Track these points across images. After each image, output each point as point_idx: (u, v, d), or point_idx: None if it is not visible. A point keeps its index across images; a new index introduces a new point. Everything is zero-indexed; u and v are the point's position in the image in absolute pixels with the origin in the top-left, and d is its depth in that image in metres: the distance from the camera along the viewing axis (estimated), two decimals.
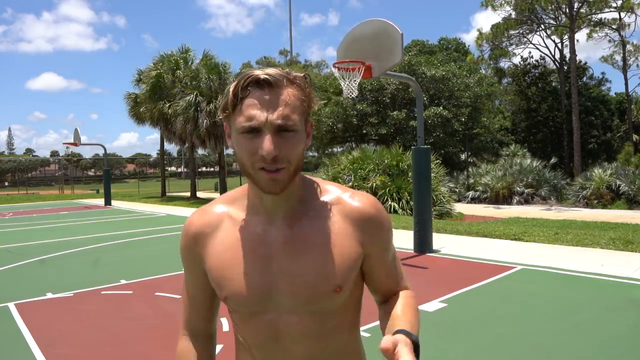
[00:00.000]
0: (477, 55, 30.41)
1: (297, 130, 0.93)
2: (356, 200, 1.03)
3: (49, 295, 5.69)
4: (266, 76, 0.90)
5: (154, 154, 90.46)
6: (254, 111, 0.90)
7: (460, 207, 15.12)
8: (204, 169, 72.22)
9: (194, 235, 1.06)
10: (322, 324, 1.01)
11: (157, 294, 5.65)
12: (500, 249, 7.89)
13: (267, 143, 0.89)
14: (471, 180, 19.77)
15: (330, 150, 27.33)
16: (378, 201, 1.07)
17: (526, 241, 8.58)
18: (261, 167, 0.91)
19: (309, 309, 0.99)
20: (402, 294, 1.08)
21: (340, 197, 1.03)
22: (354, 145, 23.08)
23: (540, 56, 37.01)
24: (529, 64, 33.06)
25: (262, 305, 1.00)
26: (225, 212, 1.06)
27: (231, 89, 0.92)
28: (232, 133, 0.96)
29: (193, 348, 1.15)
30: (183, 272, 1.14)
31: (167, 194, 26.77)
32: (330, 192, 1.05)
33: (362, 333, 1.16)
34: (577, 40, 29.98)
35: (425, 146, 8.08)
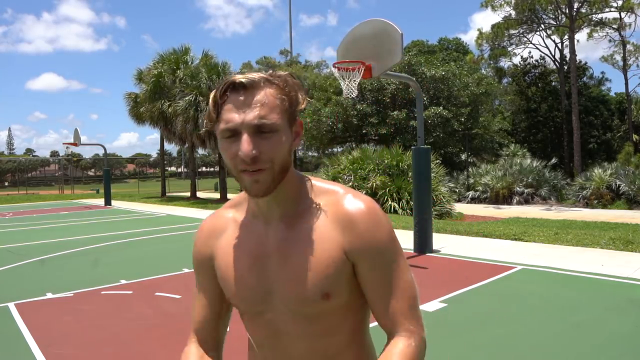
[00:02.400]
0: (477, 54, 30.40)
1: (277, 130, 0.91)
2: (349, 202, 0.97)
3: (49, 295, 5.69)
4: (241, 79, 0.90)
5: (154, 154, 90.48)
6: (231, 114, 0.90)
7: (460, 207, 15.12)
8: (204, 169, 72.23)
9: (205, 238, 1.10)
10: (319, 327, 1.00)
11: (157, 294, 5.65)
12: (500, 249, 7.89)
13: (244, 144, 0.88)
14: (471, 180, 19.77)
15: (330, 150, 27.33)
16: (378, 209, 0.98)
17: (526, 241, 8.58)
18: (243, 170, 0.91)
19: (302, 311, 0.98)
20: (399, 348, 0.94)
21: (336, 198, 0.99)
22: (354, 145, 23.07)
23: (540, 56, 37.05)
24: (529, 64, 33.07)
25: (260, 306, 1.01)
26: (231, 216, 1.08)
27: (211, 97, 0.93)
28: (218, 141, 0.96)
29: (197, 352, 1.11)
30: (192, 274, 1.14)
31: (167, 194, 26.77)
32: (328, 193, 1.00)
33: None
34: (578, 41, 30.01)
35: (425, 146, 8.08)
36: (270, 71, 0.96)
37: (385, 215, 0.99)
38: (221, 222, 1.09)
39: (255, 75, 0.91)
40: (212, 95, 0.93)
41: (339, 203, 0.97)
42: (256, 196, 0.93)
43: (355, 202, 0.96)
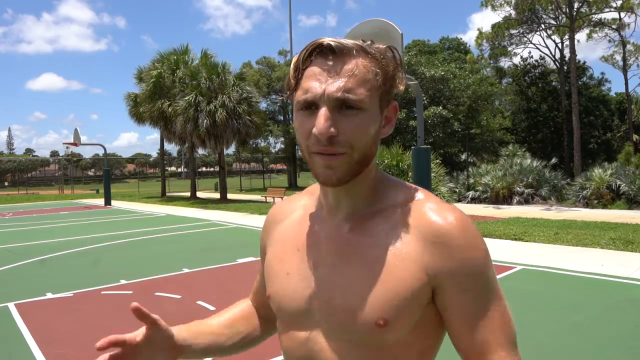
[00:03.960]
0: (476, 54, 30.42)
1: (364, 109, 0.76)
2: (437, 212, 0.79)
3: (49, 295, 5.69)
4: (330, 42, 0.75)
5: (154, 154, 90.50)
6: (312, 82, 0.75)
7: (460, 207, 15.06)
8: (204, 169, 72.23)
9: (267, 223, 0.99)
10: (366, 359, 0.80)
11: (157, 294, 5.65)
12: (500, 249, 7.89)
13: (321, 120, 0.73)
14: (471, 180, 19.77)
15: None
16: (473, 224, 0.80)
17: (526, 241, 8.58)
18: (317, 152, 0.76)
19: (346, 337, 0.80)
20: None
21: (420, 206, 0.81)
22: None
23: (540, 56, 37.09)
24: (529, 63, 33.06)
25: (298, 317, 0.85)
26: (303, 203, 0.94)
27: (293, 61, 0.79)
28: (294, 114, 0.81)
29: (248, 306, 1.08)
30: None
31: (167, 194, 26.78)
32: (411, 198, 0.83)
33: None
34: (578, 41, 30.01)
35: (425, 146, 8.08)
36: (369, 42, 0.79)
37: (479, 231, 0.81)
38: (288, 208, 0.96)
39: (347, 41, 0.76)
40: (295, 58, 0.79)
41: (427, 213, 0.80)
42: (325, 184, 0.79)
43: (447, 214, 0.79)
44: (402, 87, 0.81)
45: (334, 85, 0.74)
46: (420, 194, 0.84)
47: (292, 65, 0.79)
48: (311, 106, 0.76)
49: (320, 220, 0.87)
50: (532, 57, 33.83)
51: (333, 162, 0.76)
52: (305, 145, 0.78)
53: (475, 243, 0.78)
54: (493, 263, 0.81)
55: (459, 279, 0.77)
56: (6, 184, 55.03)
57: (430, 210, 0.80)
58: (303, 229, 0.89)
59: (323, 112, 0.74)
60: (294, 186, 32.69)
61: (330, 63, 0.76)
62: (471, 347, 0.78)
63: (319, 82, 0.75)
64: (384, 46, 0.79)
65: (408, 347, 0.80)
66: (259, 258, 1.05)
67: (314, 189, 0.94)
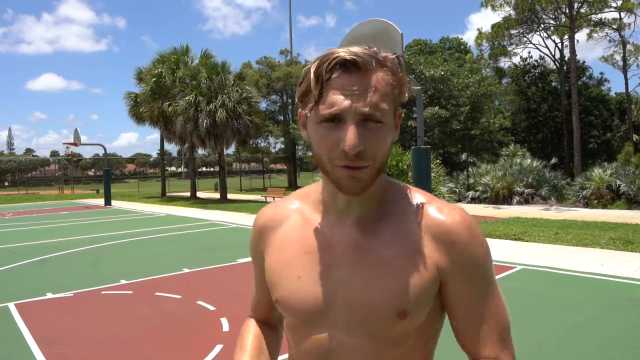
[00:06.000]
0: (476, 54, 30.42)
1: (384, 122, 0.79)
2: (443, 212, 0.85)
3: (49, 295, 5.69)
4: (354, 57, 0.76)
5: (154, 154, 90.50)
6: (338, 97, 0.76)
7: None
8: (204, 169, 72.23)
9: (260, 229, 0.98)
10: (382, 353, 0.84)
11: (157, 294, 5.65)
12: (500, 249, 7.89)
13: (350, 136, 0.75)
14: (471, 180, 19.77)
15: None
16: (473, 221, 0.86)
17: (526, 241, 8.58)
18: (342, 165, 0.78)
19: (367, 332, 0.83)
20: None
21: (425, 206, 0.87)
22: None
23: (540, 56, 37.08)
24: (528, 64, 33.05)
25: (315, 317, 0.86)
26: (297, 207, 0.94)
27: (312, 70, 0.78)
28: (309, 122, 0.82)
29: (254, 326, 1.06)
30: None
31: (167, 194, 26.79)
32: (416, 199, 0.88)
33: None
34: (577, 41, 29.99)
35: (425, 146, 8.08)
36: (375, 48, 0.81)
37: (480, 228, 0.87)
38: (282, 212, 0.96)
39: (365, 54, 0.78)
40: (314, 68, 0.78)
41: (434, 214, 0.85)
42: (349, 193, 0.81)
43: (453, 214, 0.85)
44: (407, 96, 0.84)
45: (360, 101, 0.76)
46: (423, 197, 0.89)
47: (311, 76, 0.78)
48: (334, 119, 0.77)
49: (329, 224, 0.89)
50: (531, 57, 33.88)
51: (359, 174, 0.78)
52: (329, 157, 0.79)
53: (478, 240, 0.85)
54: (493, 263, 0.83)
55: (464, 272, 0.84)
56: (6, 184, 55.03)
57: (436, 211, 0.86)
58: (308, 232, 0.90)
59: (352, 128, 0.76)
60: (294, 186, 32.67)
61: (354, 78, 0.77)
62: (469, 339, 0.86)
63: (343, 97, 0.76)
64: (394, 56, 0.82)
65: (418, 337, 0.86)
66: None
67: (306, 192, 0.96)
